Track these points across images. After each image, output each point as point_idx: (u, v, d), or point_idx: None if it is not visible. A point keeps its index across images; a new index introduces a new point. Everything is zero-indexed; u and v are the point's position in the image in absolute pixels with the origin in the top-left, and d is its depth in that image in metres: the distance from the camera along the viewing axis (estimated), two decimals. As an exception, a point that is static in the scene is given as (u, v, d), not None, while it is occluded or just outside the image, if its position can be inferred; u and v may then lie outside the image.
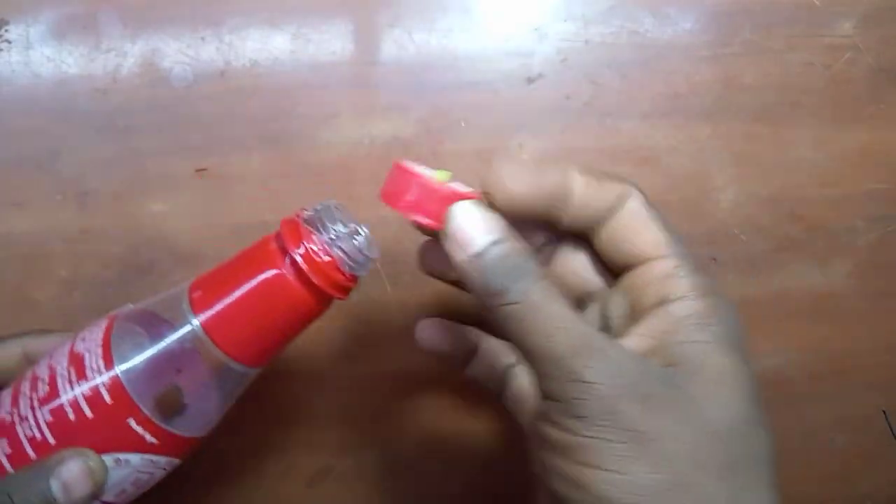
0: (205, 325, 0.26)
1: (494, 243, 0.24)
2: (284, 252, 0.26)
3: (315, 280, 0.26)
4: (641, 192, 0.27)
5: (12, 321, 0.38)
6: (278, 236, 0.27)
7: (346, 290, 0.27)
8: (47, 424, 0.26)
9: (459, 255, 0.24)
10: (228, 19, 0.37)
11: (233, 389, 0.29)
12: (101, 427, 0.26)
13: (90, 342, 0.27)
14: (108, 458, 0.26)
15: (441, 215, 0.25)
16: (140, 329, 0.27)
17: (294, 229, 0.27)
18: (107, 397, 0.26)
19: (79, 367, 0.26)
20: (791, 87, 0.39)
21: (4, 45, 0.37)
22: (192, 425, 0.28)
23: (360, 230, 0.27)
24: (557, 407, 0.23)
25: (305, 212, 0.28)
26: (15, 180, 0.37)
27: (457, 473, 0.40)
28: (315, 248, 0.26)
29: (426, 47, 0.38)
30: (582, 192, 0.26)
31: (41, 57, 0.37)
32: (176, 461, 0.28)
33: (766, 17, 0.38)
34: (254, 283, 0.26)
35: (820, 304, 0.40)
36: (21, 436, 0.26)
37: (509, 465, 0.40)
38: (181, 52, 0.37)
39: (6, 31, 0.37)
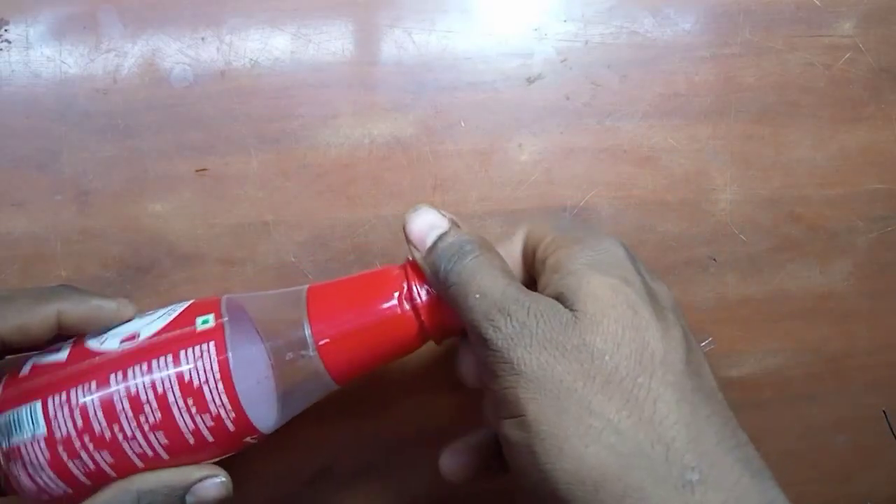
0: (324, 355, 0.27)
1: (440, 236, 0.27)
2: (410, 288, 0.28)
3: (433, 321, 0.28)
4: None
5: (12, 321, 0.38)
6: (405, 269, 0.28)
7: (447, 335, 0.29)
8: (163, 447, 0.26)
9: (417, 256, 0.27)
10: (228, 19, 0.37)
11: (316, 398, 0.30)
12: (220, 446, 0.27)
13: (205, 372, 0.26)
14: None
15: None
16: (258, 358, 0.28)
17: (419, 269, 0.28)
18: (231, 427, 0.27)
19: (199, 399, 0.26)
20: (791, 87, 0.39)
21: (4, 45, 0.37)
22: (275, 427, 0.29)
23: None
24: (483, 371, 0.25)
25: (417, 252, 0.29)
26: (15, 180, 0.37)
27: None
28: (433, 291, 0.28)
29: (426, 47, 0.38)
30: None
31: (41, 57, 0.37)
32: None
33: (766, 17, 0.38)
34: (379, 315, 0.28)
35: (820, 304, 0.40)
36: (129, 452, 0.26)
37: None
38: (181, 52, 0.37)
39: (6, 31, 0.37)
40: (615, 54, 0.38)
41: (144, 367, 0.26)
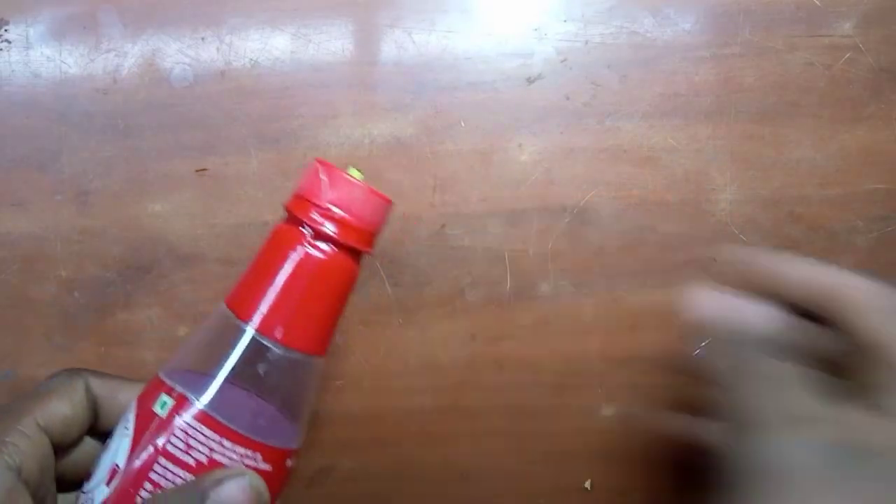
0: (290, 343, 0.26)
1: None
2: (300, 225, 0.26)
3: (337, 236, 0.26)
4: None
5: (12, 321, 0.38)
6: (288, 216, 0.27)
7: (368, 241, 0.27)
8: None
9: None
10: (228, 19, 0.37)
11: (315, 382, 0.28)
12: (272, 489, 0.26)
13: (204, 442, 0.25)
14: None
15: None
16: (235, 394, 0.26)
17: (299, 204, 0.27)
18: (266, 466, 0.26)
19: (218, 467, 0.25)
20: (791, 87, 0.39)
21: (4, 45, 0.37)
22: (300, 434, 0.29)
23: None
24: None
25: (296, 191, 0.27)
26: (15, 180, 0.37)
27: (457, 472, 0.40)
28: (325, 210, 0.26)
29: (426, 47, 0.38)
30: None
31: (41, 57, 0.37)
32: None
33: (766, 17, 0.38)
34: (305, 273, 0.26)
35: (820, 304, 0.40)
36: None
37: (509, 465, 0.40)
38: (181, 52, 0.37)
39: (6, 31, 0.37)
40: (615, 54, 0.38)
41: (149, 486, 0.24)
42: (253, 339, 0.26)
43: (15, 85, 0.37)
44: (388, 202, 0.28)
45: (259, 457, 0.25)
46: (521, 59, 0.38)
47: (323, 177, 0.26)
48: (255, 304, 0.26)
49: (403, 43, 0.38)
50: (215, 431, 0.25)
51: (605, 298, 0.39)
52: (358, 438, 0.39)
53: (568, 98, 0.38)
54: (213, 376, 0.26)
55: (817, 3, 0.38)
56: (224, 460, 0.25)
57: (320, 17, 0.38)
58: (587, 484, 0.40)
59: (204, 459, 0.25)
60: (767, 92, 0.39)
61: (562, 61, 0.38)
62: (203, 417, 0.25)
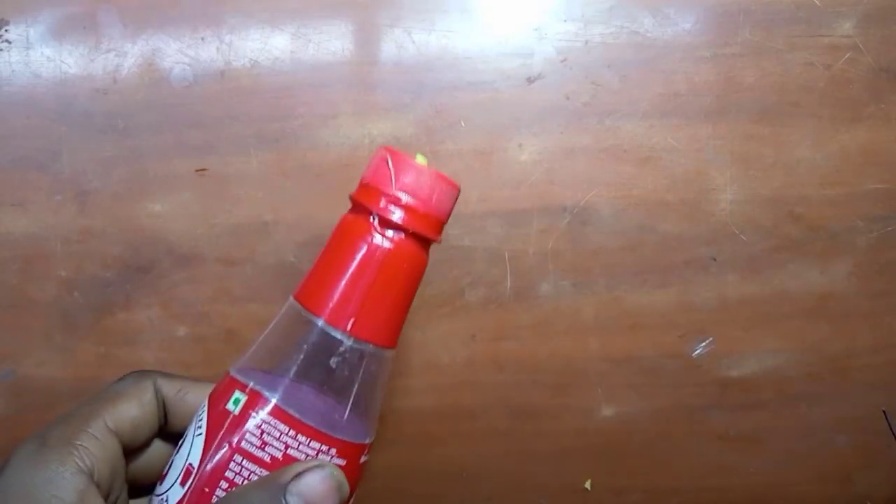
0: (361, 335, 0.25)
1: None
2: (368, 214, 0.25)
3: (404, 224, 0.25)
4: None
5: (12, 321, 0.38)
6: (354, 205, 0.26)
7: (436, 228, 0.26)
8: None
9: None
10: (228, 19, 0.37)
11: (384, 374, 0.28)
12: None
13: (279, 437, 0.24)
14: None
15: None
16: (306, 390, 0.26)
17: (366, 192, 0.26)
18: (340, 461, 0.25)
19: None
20: (791, 87, 0.39)
21: (4, 45, 0.37)
22: (372, 428, 0.28)
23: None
24: None
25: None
26: (15, 180, 0.37)
27: (457, 473, 0.40)
28: (393, 198, 0.25)
29: (426, 47, 0.38)
30: None
31: (41, 57, 0.37)
32: None
33: (766, 17, 0.38)
34: (374, 264, 0.25)
35: (820, 304, 0.40)
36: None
37: (509, 465, 0.40)
38: (181, 52, 0.37)
39: (6, 31, 0.37)
40: (615, 54, 0.38)
41: (225, 484, 0.24)
42: (323, 332, 0.25)
43: (15, 85, 0.37)
44: (456, 188, 0.27)
45: (334, 451, 0.25)
46: (521, 59, 0.38)
47: (390, 164, 0.26)
48: (323, 297, 0.25)
49: (403, 43, 0.38)
50: (290, 427, 0.24)
51: (604, 298, 0.39)
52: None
53: (568, 98, 0.38)
54: (285, 371, 0.25)
55: (817, 3, 0.38)
56: (300, 456, 0.24)
57: (320, 17, 0.38)
58: (587, 484, 0.40)
59: (279, 455, 0.24)
60: (767, 92, 0.39)
61: (562, 61, 0.38)
62: (278, 413, 0.24)
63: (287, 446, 0.24)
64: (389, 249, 0.25)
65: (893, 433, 0.41)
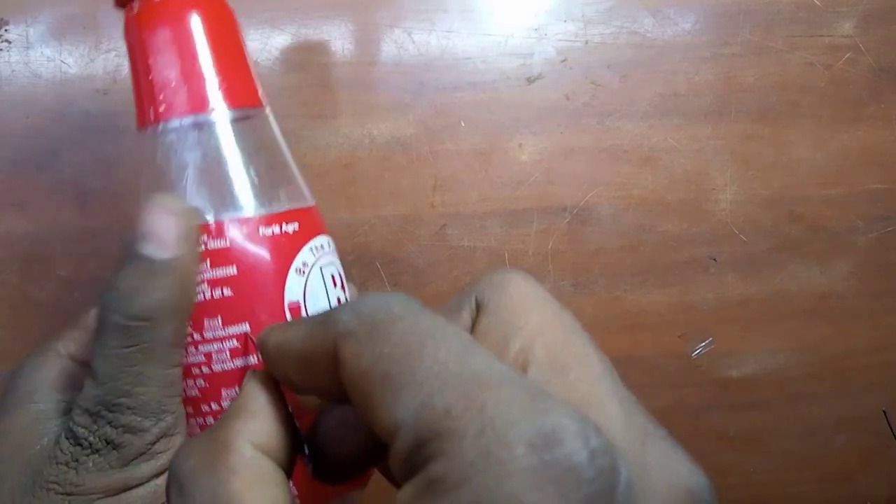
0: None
1: None
2: (124, 5, 0.24)
3: None
4: None
5: (12, 321, 0.38)
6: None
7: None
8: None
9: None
10: (228, 19, 0.37)
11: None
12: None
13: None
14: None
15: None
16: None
17: None
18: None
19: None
20: (791, 87, 0.39)
21: (4, 45, 0.37)
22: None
23: None
24: None
25: None
26: (15, 180, 0.37)
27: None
28: None
29: (426, 47, 0.38)
30: None
31: (41, 57, 0.37)
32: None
33: (766, 17, 0.38)
34: (142, 44, 0.24)
35: (820, 304, 0.40)
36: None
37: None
38: (181, 52, 0.37)
39: (6, 31, 0.37)
40: (615, 54, 0.38)
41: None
42: (174, 132, 0.24)
43: (15, 85, 0.37)
44: None
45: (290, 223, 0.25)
46: (521, 59, 0.38)
47: None
48: (151, 102, 0.24)
49: (403, 43, 0.38)
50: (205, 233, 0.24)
51: (604, 298, 0.39)
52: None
53: (568, 98, 0.38)
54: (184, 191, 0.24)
55: (817, 3, 0.38)
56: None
57: (320, 17, 0.38)
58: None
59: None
60: (767, 92, 0.39)
61: (562, 61, 0.38)
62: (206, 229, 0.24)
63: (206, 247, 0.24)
64: (155, 7, 0.24)
65: (893, 433, 0.41)
